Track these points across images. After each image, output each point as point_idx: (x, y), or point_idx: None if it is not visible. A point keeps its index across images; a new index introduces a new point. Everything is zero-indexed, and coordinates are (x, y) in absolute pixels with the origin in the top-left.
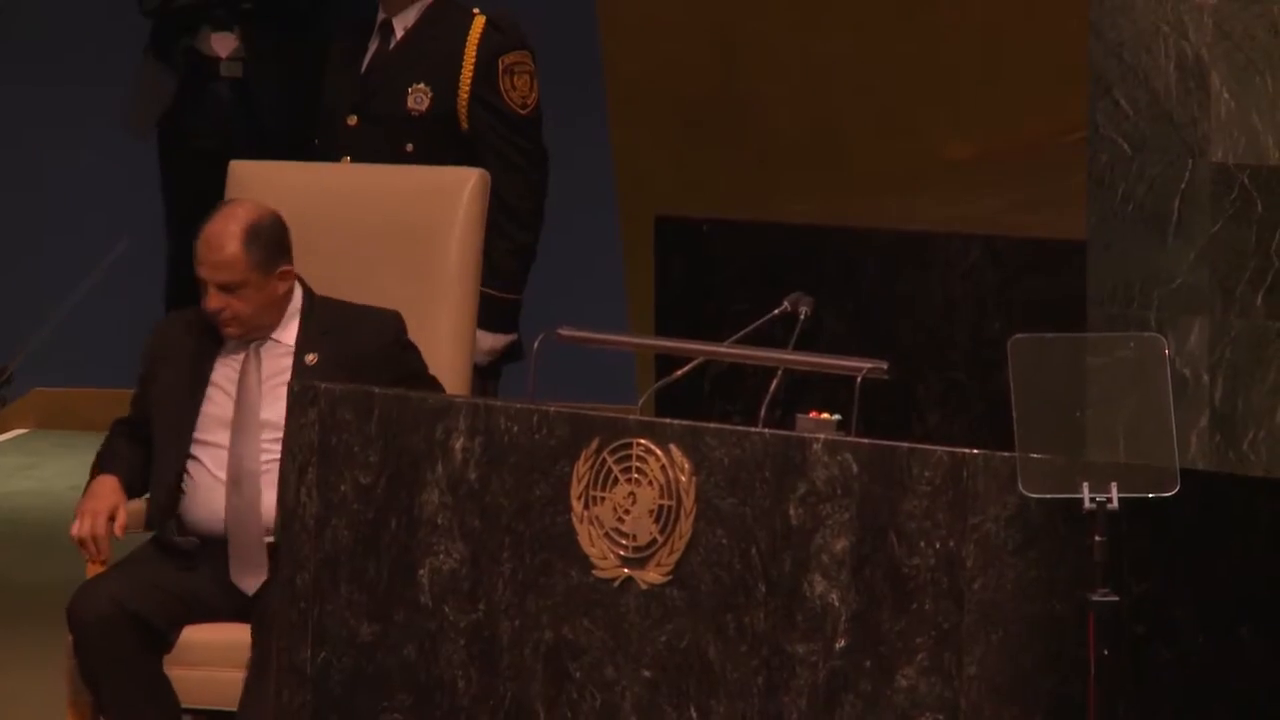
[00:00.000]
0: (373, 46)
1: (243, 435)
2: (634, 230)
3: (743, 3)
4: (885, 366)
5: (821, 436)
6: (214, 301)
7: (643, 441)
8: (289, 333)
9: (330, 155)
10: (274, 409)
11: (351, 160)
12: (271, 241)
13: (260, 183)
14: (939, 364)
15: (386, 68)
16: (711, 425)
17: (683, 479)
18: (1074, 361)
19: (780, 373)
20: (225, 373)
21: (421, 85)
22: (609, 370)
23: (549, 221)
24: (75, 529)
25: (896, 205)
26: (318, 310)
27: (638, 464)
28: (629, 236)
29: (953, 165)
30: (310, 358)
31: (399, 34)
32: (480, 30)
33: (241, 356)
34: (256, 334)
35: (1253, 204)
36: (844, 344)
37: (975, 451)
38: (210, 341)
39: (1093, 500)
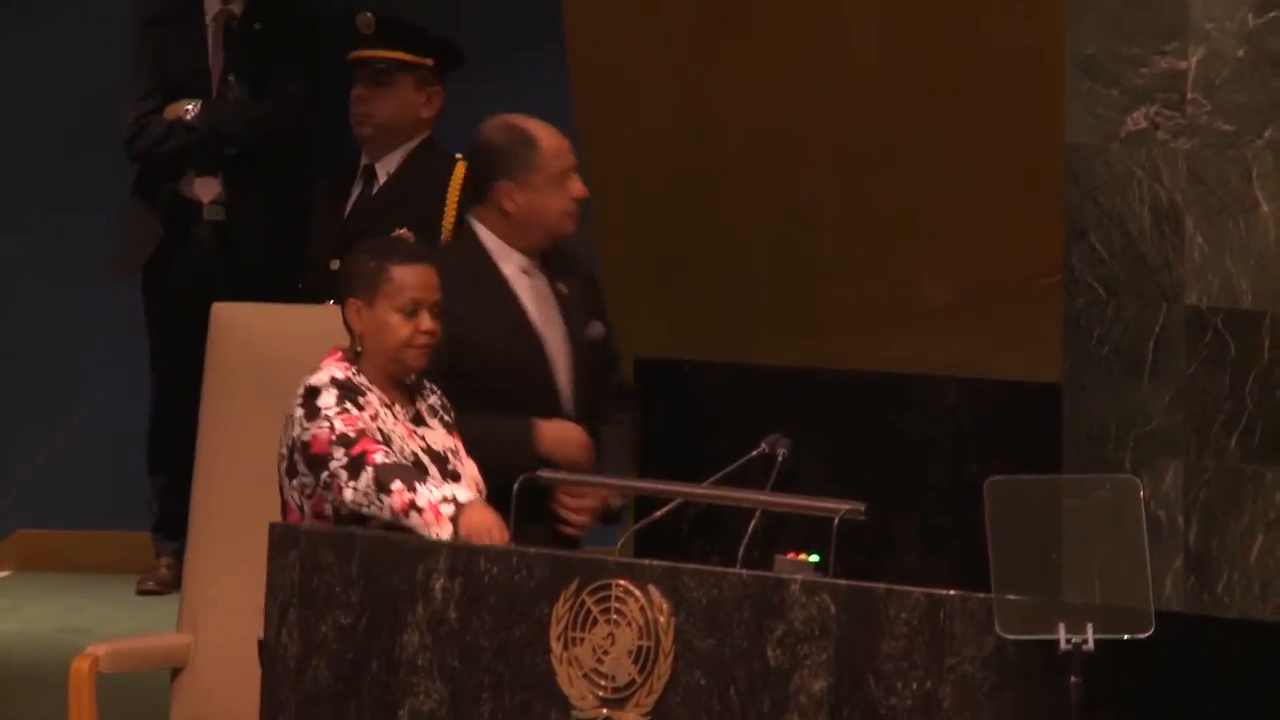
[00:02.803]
0: (356, 191)
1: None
2: None
3: (724, 146)
4: (863, 508)
5: (799, 577)
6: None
7: (622, 582)
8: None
9: (314, 299)
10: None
11: (335, 304)
12: None
13: (243, 325)
14: (917, 504)
15: (370, 212)
16: (690, 566)
17: (661, 620)
18: (1050, 503)
19: (758, 514)
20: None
21: (404, 229)
22: None
23: None
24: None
25: (875, 346)
26: None
27: (617, 605)
28: None
29: (931, 307)
30: (561, 287)
31: (382, 179)
32: (463, 175)
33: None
34: None
35: (1226, 347)
36: (822, 485)
37: (952, 592)
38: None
39: (1069, 641)
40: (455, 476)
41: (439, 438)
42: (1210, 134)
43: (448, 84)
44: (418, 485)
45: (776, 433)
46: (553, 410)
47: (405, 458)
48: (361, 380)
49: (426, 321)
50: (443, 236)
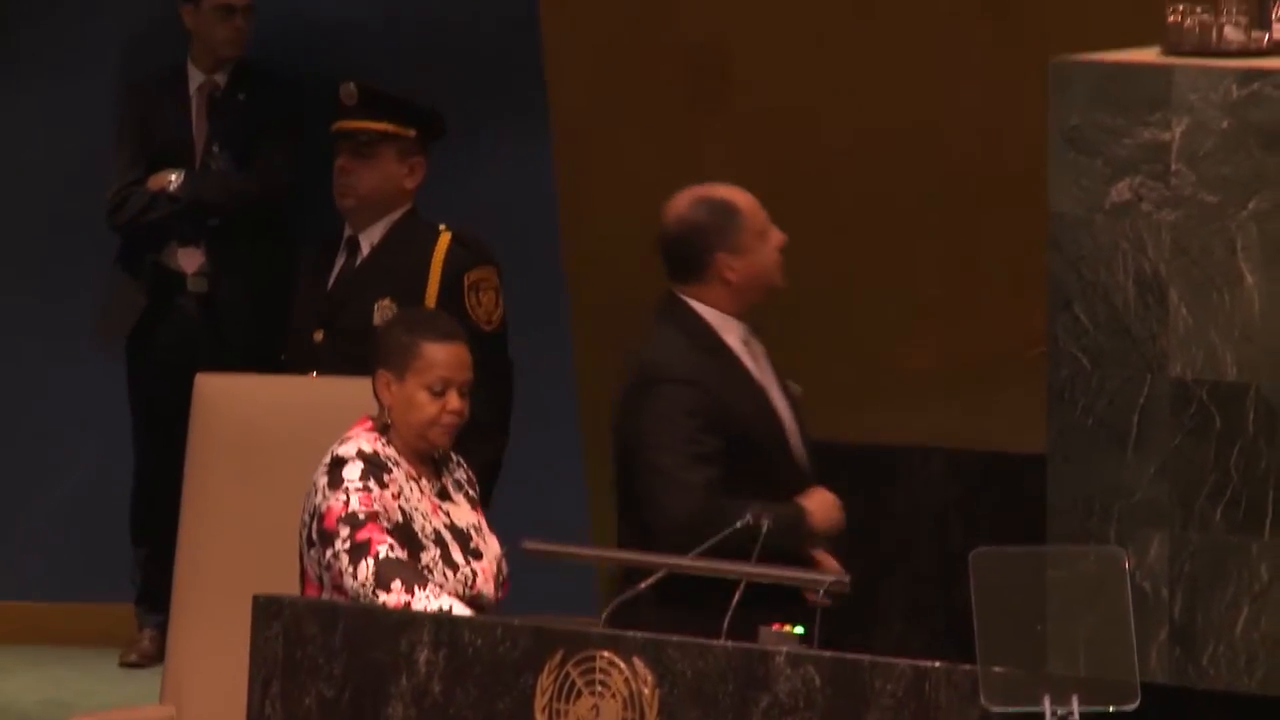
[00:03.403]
0: (339, 262)
1: None
2: (597, 444)
3: None
4: (847, 580)
5: (784, 649)
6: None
7: (606, 654)
8: None
9: (298, 370)
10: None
11: (319, 375)
12: None
13: (227, 396)
14: (902, 575)
15: (353, 283)
16: (674, 638)
17: (646, 691)
18: (1035, 574)
19: (742, 585)
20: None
21: (387, 301)
22: (571, 582)
23: (513, 433)
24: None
25: (860, 417)
26: None
27: (601, 676)
28: (592, 449)
29: (916, 376)
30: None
31: (365, 250)
32: (446, 246)
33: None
34: None
35: (1211, 420)
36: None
37: (937, 664)
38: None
39: (1054, 714)
40: (477, 554)
41: (463, 514)
42: (1194, 205)
43: (430, 155)
44: (417, 589)
45: (760, 504)
46: (796, 475)
47: (428, 535)
48: (390, 452)
49: (454, 401)
50: (422, 308)
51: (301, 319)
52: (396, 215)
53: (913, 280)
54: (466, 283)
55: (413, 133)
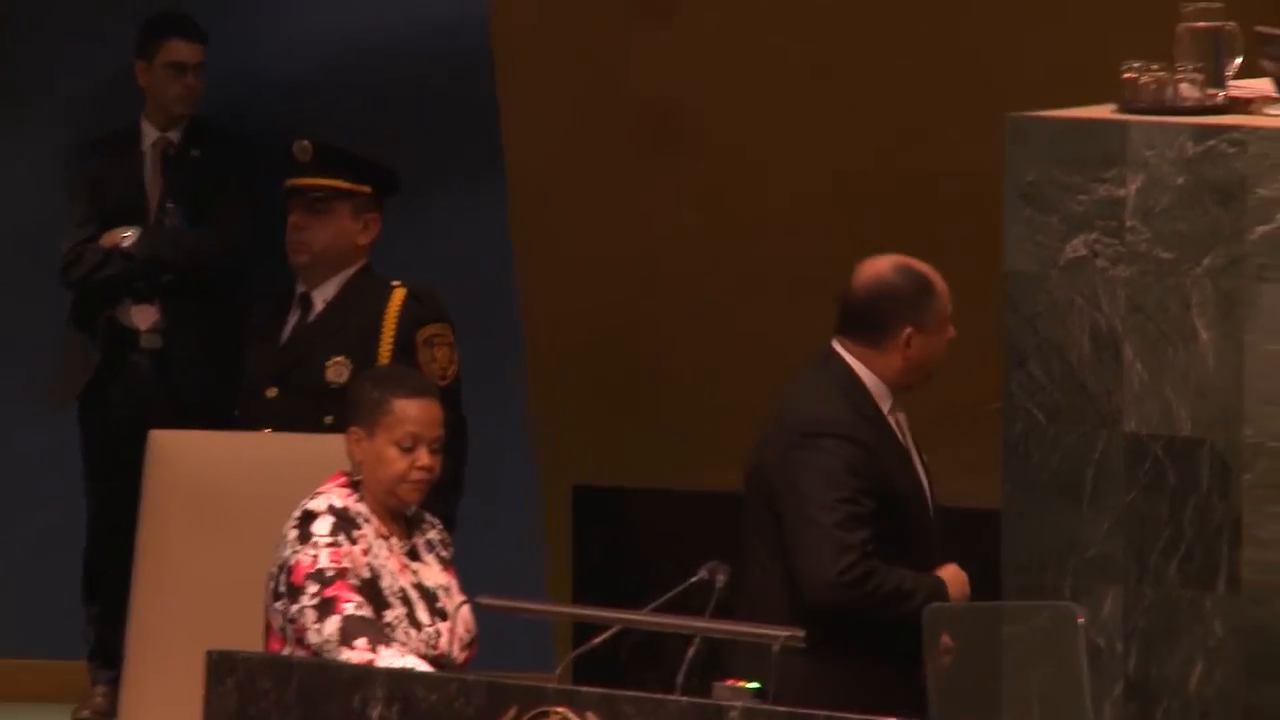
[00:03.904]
0: (292, 319)
1: None
2: (553, 498)
3: (662, 270)
4: (802, 634)
5: (739, 704)
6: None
7: (560, 709)
8: None
9: (251, 427)
10: None
11: (273, 432)
12: None
13: (180, 452)
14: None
15: (306, 340)
16: (629, 693)
17: None
18: (989, 630)
19: (697, 640)
20: None
21: (341, 357)
22: (526, 637)
23: (468, 487)
24: None
25: None
26: None
27: None
28: (548, 504)
29: None
30: None
31: (318, 306)
32: (400, 302)
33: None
34: None
35: (1165, 474)
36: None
37: None
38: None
39: None
40: (443, 615)
41: (433, 574)
42: (1149, 261)
43: (386, 210)
44: (381, 648)
45: (715, 559)
46: (933, 544)
47: (394, 593)
48: (361, 509)
49: (424, 457)
50: (380, 363)
51: (254, 375)
52: (350, 271)
53: None
54: (420, 338)
55: (367, 189)
